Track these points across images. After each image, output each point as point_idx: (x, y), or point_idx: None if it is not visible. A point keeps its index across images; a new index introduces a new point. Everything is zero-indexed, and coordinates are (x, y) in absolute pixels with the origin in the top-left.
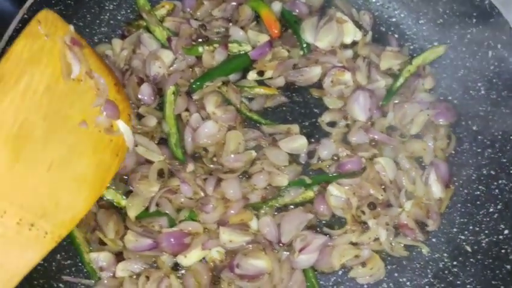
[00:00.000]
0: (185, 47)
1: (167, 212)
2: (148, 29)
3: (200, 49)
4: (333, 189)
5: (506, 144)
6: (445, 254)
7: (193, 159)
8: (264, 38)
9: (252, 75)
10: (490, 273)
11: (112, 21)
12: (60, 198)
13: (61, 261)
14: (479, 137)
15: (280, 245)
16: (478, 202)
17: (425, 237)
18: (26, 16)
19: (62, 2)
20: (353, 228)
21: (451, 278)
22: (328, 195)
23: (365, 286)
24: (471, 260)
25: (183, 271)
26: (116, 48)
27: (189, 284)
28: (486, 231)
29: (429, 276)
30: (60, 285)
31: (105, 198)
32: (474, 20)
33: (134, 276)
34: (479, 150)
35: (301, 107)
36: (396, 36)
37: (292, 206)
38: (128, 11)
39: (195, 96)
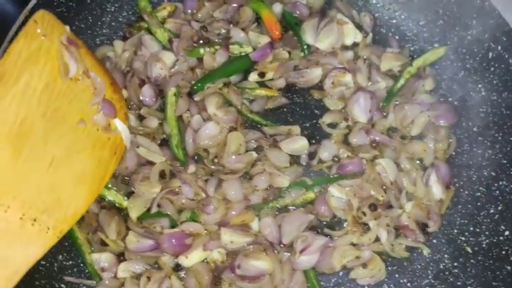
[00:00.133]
0: (187, 49)
1: (168, 213)
2: (149, 31)
3: (201, 51)
4: (333, 190)
5: (507, 145)
6: (446, 255)
7: (194, 160)
8: (264, 40)
9: (253, 77)
10: (490, 274)
11: (113, 23)
12: (62, 194)
13: (63, 261)
14: (480, 138)
15: (281, 246)
16: (479, 203)
17: (426, 238)
18: (28, 18)
19: (64, 3)
20: (353, 229)
21: (451, 279)
22: (329, 197)
23: (366, 287)
24: (472, 261)
25: (184, 272)
26: (117, 50)
27: (190, 285)
28: (487, 232)
29: (430, 277)
30: (62, 285)
31: (107, 199)
32: (474, 22)
33: (136, 277)
34: (479, 151)
35: (302, 108)
36: (396, 37)
37: (293, 207)
38: (130, 12)
39: (196, 98)
